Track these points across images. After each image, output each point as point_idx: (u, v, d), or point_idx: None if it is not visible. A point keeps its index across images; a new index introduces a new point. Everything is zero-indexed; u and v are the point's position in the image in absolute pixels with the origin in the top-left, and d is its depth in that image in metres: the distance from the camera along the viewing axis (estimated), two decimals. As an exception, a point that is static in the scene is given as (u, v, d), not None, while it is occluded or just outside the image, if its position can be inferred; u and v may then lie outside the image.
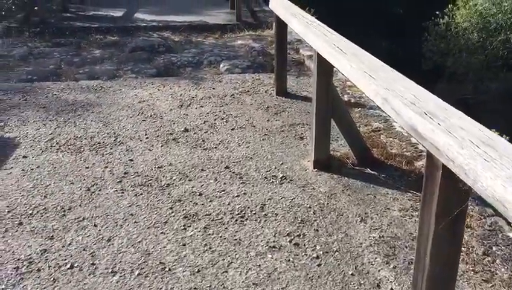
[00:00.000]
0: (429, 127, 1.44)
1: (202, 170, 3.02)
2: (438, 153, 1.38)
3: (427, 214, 1.55)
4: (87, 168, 3.03)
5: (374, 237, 2.37)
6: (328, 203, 2.65)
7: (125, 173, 2.96)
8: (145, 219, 2.50)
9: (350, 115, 3.02)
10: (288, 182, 2.88)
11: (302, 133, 3.55)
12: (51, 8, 9.15)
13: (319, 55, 2.72)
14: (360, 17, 15.98)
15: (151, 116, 3.89)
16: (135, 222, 2.47)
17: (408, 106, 1.58)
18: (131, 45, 6.38)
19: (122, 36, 7.11)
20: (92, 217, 2.51)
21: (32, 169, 3.01)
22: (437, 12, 13.80)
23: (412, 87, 1.75)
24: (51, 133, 3.53)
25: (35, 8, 8.09)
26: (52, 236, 2.35)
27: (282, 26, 4.01)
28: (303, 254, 2.24)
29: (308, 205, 2.64)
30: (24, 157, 3.16)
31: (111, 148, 3.31)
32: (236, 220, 2.50)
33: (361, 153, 3.04)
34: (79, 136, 3.50)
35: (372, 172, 2.97)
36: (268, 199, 2.70)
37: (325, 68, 2.74)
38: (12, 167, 3.03)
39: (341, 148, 3.26)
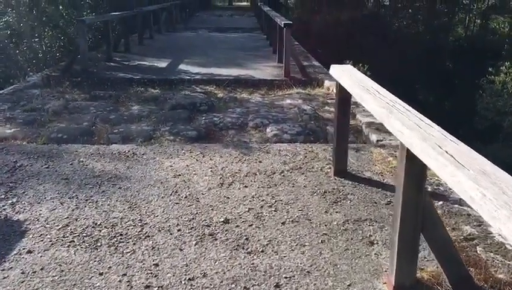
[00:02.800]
0: None
1: (245, 288, 2.32)
2: None
3: None
4: (101, 274, 2.40)
5: None
6: None
7: (146, 287, 2.30)
8: None
9: (446, 229, 2.28)
10: (360, 318, 2.13)
11: (371, 235, 2.82)
12: (96, 56, 9.01)
13: (409, 152, 2.03)
14: (411, 68, 15.36)
15: (186, 197, 3.28)
16: None
17: None
18: (171, 102, 5.92)
19: (164, 89, 6.72)
20: None
21: (35, 272, 2.41)
22: (490, 69, 13.00)
23: None
24: (67, 217, 2.96)
25: (79, 56, 7.90)
26: None
27: (345, 97, 3.37)
28: None
29: None
30: (28, 252, 2.58)
31: (134, 244, 2.68)
32: None
33: (459, 280, 2.26)
34: (98, 222, 2.91)
35: (476, 310, 2.19)
36: None
37: (417, 170, 2.05)
38: (11, 267, 2.44)
39: (427, 264, 2.50)
